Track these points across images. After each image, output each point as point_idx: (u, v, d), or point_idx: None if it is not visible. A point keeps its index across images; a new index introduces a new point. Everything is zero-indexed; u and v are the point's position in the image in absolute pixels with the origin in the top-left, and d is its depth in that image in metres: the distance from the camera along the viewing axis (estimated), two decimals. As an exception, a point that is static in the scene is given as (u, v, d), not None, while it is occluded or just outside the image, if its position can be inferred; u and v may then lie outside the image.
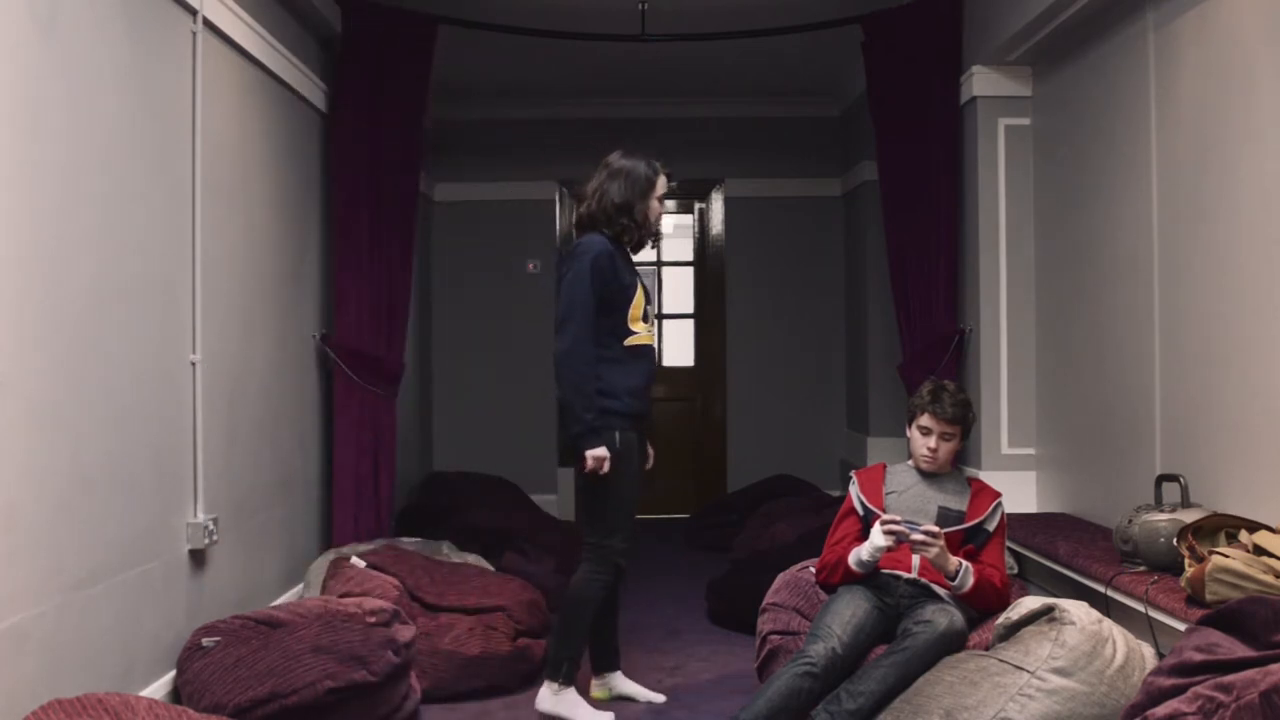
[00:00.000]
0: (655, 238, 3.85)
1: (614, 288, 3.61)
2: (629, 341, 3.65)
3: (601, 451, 3.52)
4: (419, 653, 3.65)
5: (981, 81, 4.99)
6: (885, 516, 3.35)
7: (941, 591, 3.38)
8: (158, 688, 3.32)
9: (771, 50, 6.14)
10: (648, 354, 3.72)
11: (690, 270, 8.18)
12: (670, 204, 8.22)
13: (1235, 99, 3.36)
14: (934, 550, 3.27)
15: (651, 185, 3.72)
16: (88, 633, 2.95)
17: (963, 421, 3.55)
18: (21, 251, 2.65)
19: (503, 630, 3.88)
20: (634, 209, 3.67)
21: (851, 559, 3.40)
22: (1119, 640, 2.96)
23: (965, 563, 3.35)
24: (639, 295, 3.68)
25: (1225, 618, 2.52)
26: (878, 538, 3.32)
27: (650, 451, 3.89)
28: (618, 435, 3.59)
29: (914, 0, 5.17)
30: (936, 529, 3.30)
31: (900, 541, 3.29)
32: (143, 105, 3.31)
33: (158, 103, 3.41)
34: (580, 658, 3.63)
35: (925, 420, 3.54)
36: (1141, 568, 3.37)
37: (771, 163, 7.67)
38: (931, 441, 3.53)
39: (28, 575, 2.67)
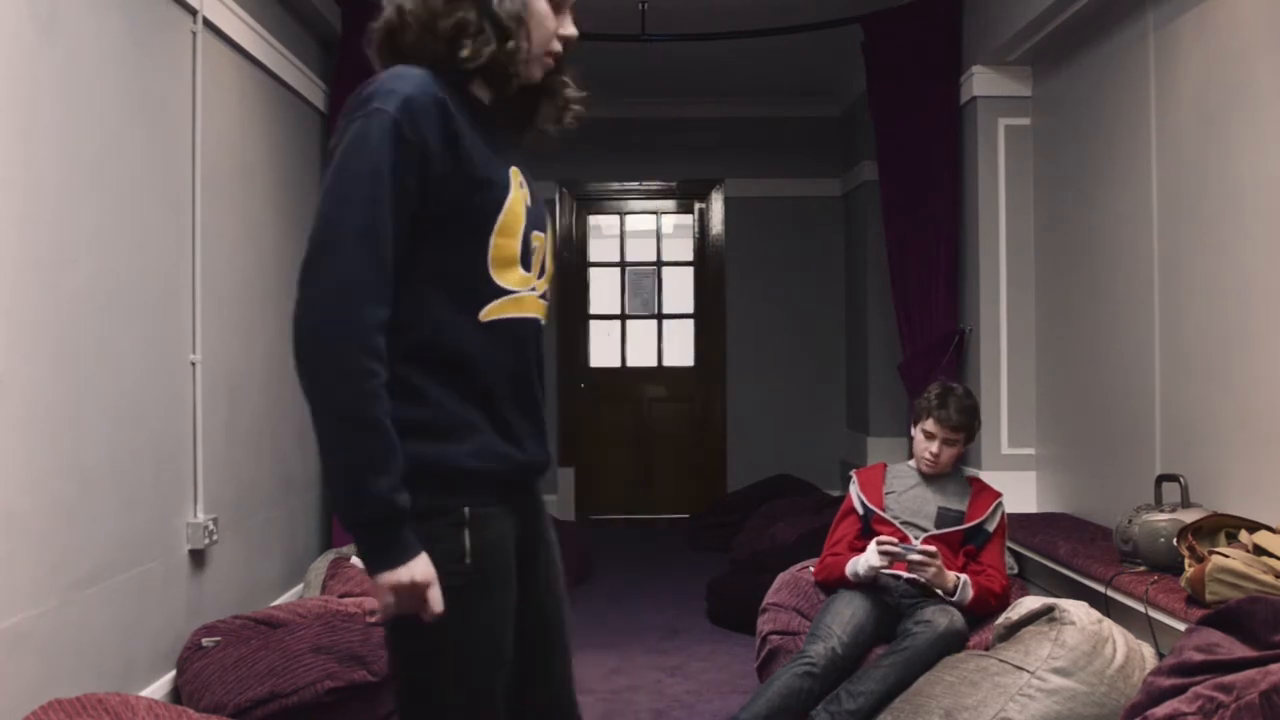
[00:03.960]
0: (558, 101, 1.79)
1: (455, 182, 1.61)
2: (491, 309, 1.66)
3: (414, 572, 1.53)
4: (419, 653, 3.64)
5: (981, 81, 4.98)
6: (881, 538, 3.34)
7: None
8: (158, 688, 3.31)
9: (771, 50, 6.14)
10: (526, 332, 1.72)
11: (690, 270, 8.18)
12: (670, 204, 8.20)
13: (1235, 99, 3.36)
14: (931, 570, 3.27)
15: None
16: (88, 633, 2.95)
17: (967, 429, 3.55)
18: (21, 251, 2.65)
19: (503, 630, 3.88)
20: (492, 8, 1.67)
21: (848, 570, 3.39)
22: (1119, 640, 2.96)
23: (963, 576, 3.35)
24: (514, 205, 1.66)
25: (1225, 618, 2.52)
26: (873, 556, 3.31)
27: (552, 542, 1.84)
28: (466, 531, 1.61)
29: (914, 0, 5.17)
30: (933, 549, 3.29)
31: (895, 561, 3.29)
32: (143, 105, 3.31)
33: (158, 103, 3.41)
34: None
35: (929, 425, 3.53)
36: (1141, 568, 3.36)
37: (771, 163, 7.67)
38: (934, 447, 3.53)
39: (28, 575, 2.66)
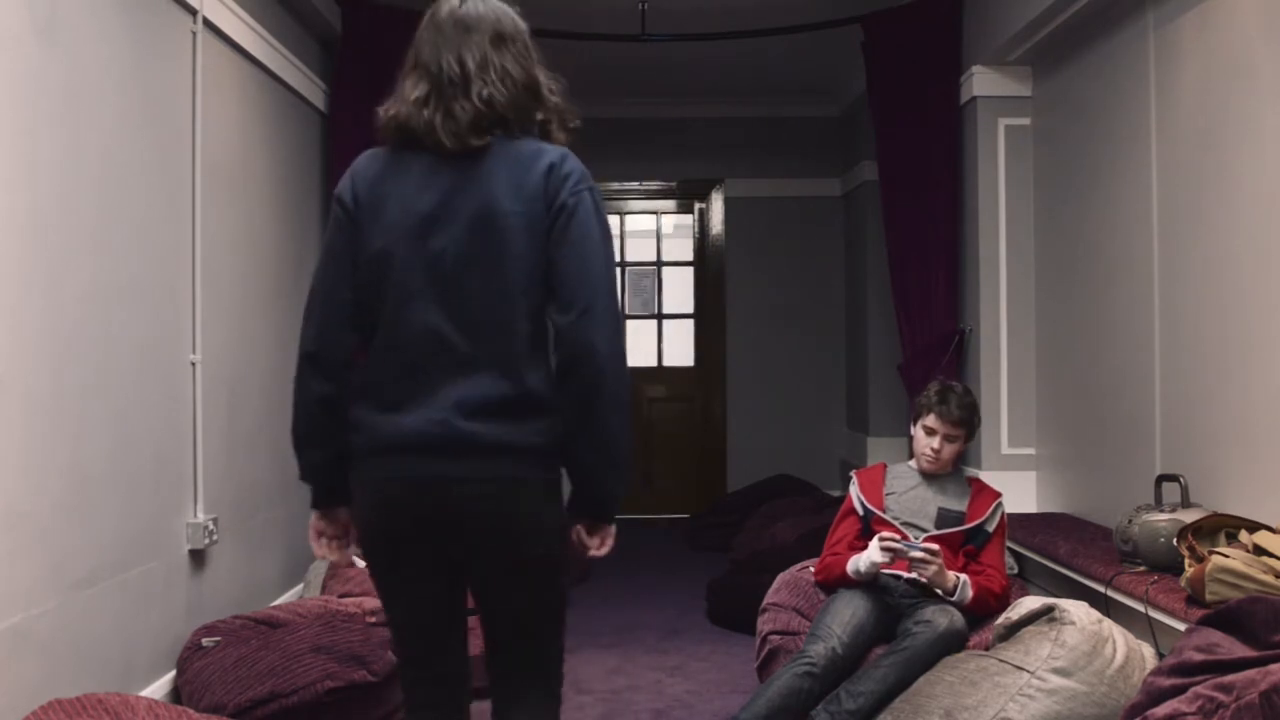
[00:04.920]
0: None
1: None
2: None
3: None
4: (419, 653, 3.64)
5: (981, 81, 4.98)
6: (883, 534, 3.35)
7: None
8: (158, 688, 3.32)
9: (772, 50, 6.14)
10: None
11: (690, 270, 8.18)
12: (670, 204, 8.22)
13: (1235, 98, 3.36)
14: (932, 568, 3.27)
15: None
16: (88, 633, 2.95)
17: (968, 424, 3.55)
18: (21, 251, 2.65)
19: (503, 630, 3.88)
20: (540, 90, 2.13)
21: (849, 567, 3.40)
22: (1119, 640, 2.96)
23: (963, 576, 3.35)
24: None
25: (1225, 618, 2.52)
26: (875, 553, 3.31)
27: None
28: None
29: (914, 0, 5.17)
30: (935, 547, 3.29)
31: (897, 559, 3.29)
32: (143, 105, 3.31)
33: (158, 103, 3.41)
34: None
35: (930, 421, 3.54)
36: (1141, 568, 3.36)
37: (771, 163, 7.67)
38: (935, 442, 3.53)
39: (28, 575, 2.66)
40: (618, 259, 8.15)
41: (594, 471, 2.04)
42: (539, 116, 2.11)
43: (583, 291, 1.96)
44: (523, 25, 2.17)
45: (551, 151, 2.05)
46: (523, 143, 2.05)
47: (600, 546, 2.12)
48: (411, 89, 2.05)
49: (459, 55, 2.04)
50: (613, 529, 2.11)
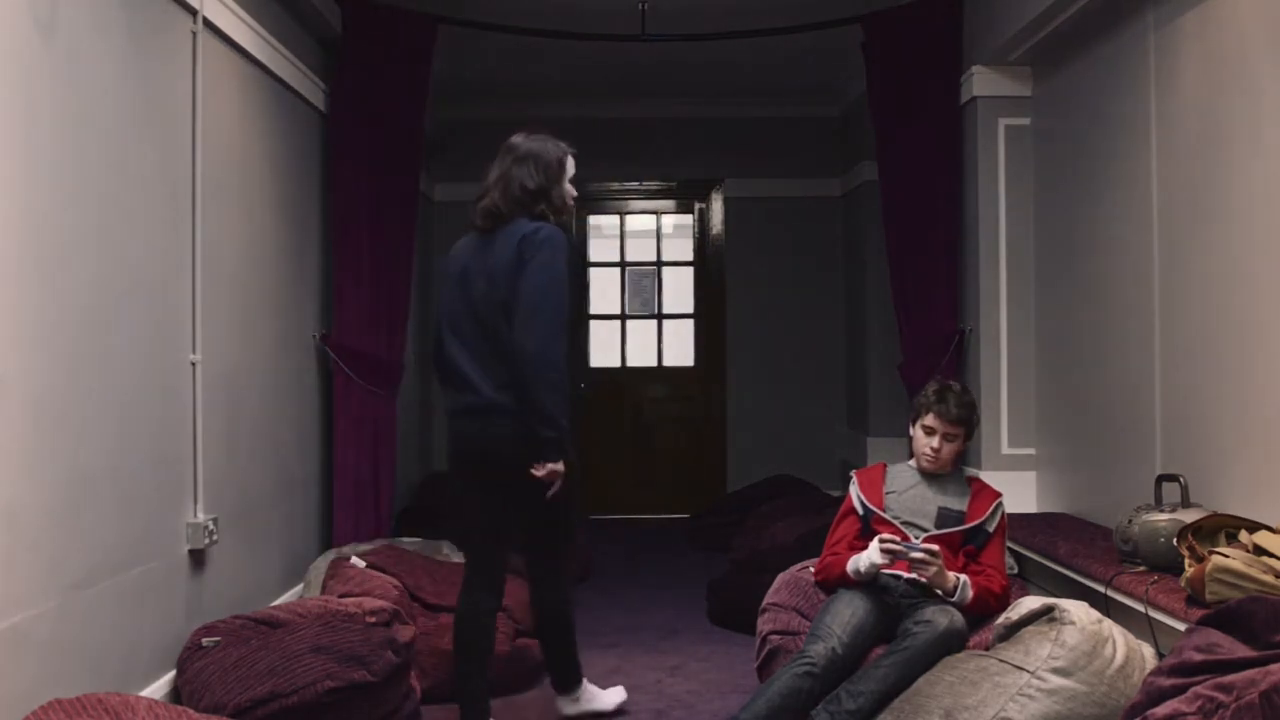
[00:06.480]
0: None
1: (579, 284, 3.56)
2: None
3: (560, 465, 3.22)
4: (419, 653, 3.65)
5: (981, 81, 4.99)
6: (883, 535, 3.35)
7: (941, 591, 3.38)
8: (158, 688, 3.32)
9: (771, 50, 6.14)
10: None
11: (690, 270, 8.18)
12: (670, 204, 8.23)
13: (1236, 98, 3.36)
14: (932, 569, 3.27)
15: (563, 166, 3.38)
16: (88, 633, 2.95)
17: (967, 423, 3.55)
18: (21, 251, 2.65)
19: (502, 630, 3.88)
20: (550, 193, 3.32)
21: (849, 567, 3.40)
22: (1119, 640, 2.96)
23: (963, 577, 3.35)
24: None
25: (1225, 618, 2.52)
26: (875, 554, 3.31)
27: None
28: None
29: (914, 0, 5.18)
30: (935, 548, 3.29)
31: (897, 559, 3.29)
32: (143, 105, 3.31)
33: (158, 103, 3.41)
34: None
35: (930, 420, 3.54)
36: (1141, 568, 3.37)
37: (771, 163, 7.68)
38: (935, 442, 3.53)
39: (28, 575, 2.67)
40: (618, 260, 8.22)
41: (533, 426, 3.16)
42: (540, 207, 3.29)
43: (522, 312, 3.14)
44: (550, 153, 3.35)
45: (530, 226, 3.22)
46: (518, 224, 3.24)
47: (545, 476, 3.19)
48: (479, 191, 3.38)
49: (496, 169, 3.36)
50: (551, 465, 3.19)
